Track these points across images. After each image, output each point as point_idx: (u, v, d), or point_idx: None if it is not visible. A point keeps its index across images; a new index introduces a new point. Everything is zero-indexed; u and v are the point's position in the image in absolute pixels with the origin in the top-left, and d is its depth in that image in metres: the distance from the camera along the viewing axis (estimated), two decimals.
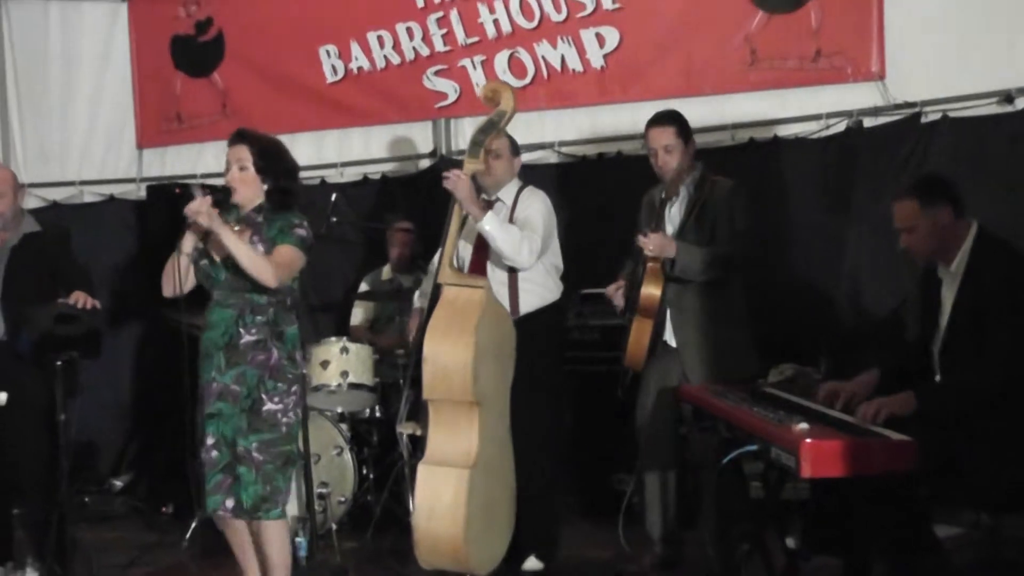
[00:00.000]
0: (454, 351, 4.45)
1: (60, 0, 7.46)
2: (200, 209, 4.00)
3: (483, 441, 4.51)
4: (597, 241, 5.89)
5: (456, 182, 4.76)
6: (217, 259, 4.18)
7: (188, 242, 4.17)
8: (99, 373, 6.71)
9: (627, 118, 6.12)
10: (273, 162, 4.25)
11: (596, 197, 6.18)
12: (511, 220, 4.95)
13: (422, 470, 4.53)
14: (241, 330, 4.14)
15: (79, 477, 6.50)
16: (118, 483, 7.06)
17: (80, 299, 4.84)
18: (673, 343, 4.80)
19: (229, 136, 4.32)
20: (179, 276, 4.13)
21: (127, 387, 7.31)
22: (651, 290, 4.67)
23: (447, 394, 4.49)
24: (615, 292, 4.93)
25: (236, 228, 4.17)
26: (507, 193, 5.06)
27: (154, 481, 6.92)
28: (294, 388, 4.21)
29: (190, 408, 4.24)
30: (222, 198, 4.15)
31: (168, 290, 4.21)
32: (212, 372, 4.15)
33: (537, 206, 4.99)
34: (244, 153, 4.20)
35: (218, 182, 6.71)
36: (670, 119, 4.88)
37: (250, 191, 4.21)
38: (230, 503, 4.13)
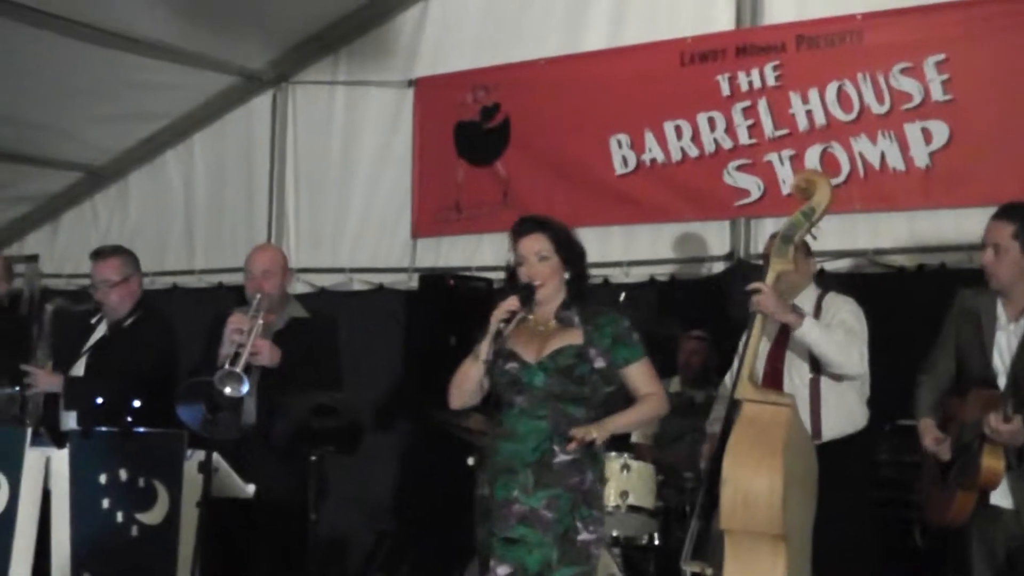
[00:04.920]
0: (758, 475, 3.98)
1: (347, 85, 7.43)
2: (508, 307, 3.76)
3: None
4: (914, 365, 5.12)
5: (761, 300, 4.28)
6: (531, 360, 3.78)
7: (487, 348, 3.79)
8: (350, 466, 6.45)
9: (951, 225, 5.56)
10: (571, 249, 3.92)
11: (915, 314, 5.38)
12: None
13: None
14: (556, 447, 3.72)
15: None
16: None
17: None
18: (1005, 504, 4.08)
19: (514, 225, 3.98)
20: (476, 387, 3.84)
21: (382, 484, 7.05)
22: (995, 464, 3.98)
23: (749, 524, 3.99)
24: (938, 447, 4.23)
25: (540, 328, 3.88)
26: (806, 300, 4.62)
27: None
28: (604, 516, 3.82)
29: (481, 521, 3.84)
30: (527, 295, 3.82)
31: (459, 401, 3.92)
32: (515, 491, 3.73)
33: (852, 309, 4.59)
34: (543, 243, 3.85)
35: (494, 276, 6.52)
36: (1009, 214, 4.16)
37: (554, 283, 3.86)
38: None
